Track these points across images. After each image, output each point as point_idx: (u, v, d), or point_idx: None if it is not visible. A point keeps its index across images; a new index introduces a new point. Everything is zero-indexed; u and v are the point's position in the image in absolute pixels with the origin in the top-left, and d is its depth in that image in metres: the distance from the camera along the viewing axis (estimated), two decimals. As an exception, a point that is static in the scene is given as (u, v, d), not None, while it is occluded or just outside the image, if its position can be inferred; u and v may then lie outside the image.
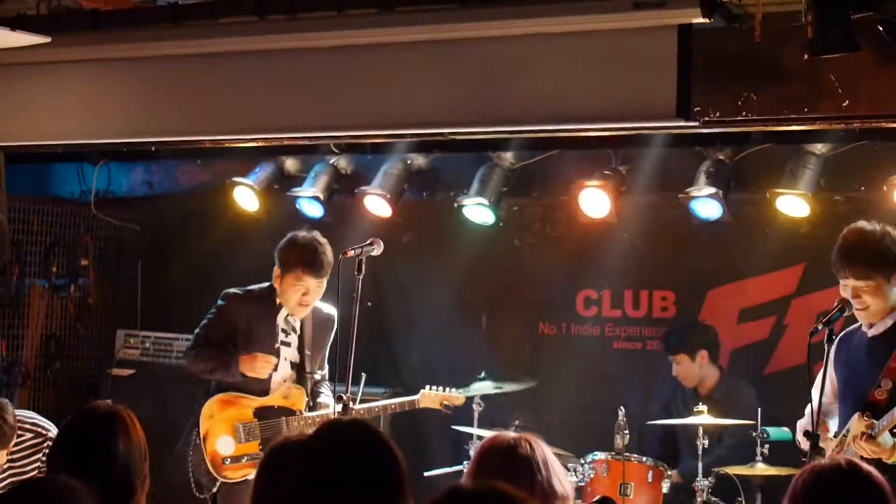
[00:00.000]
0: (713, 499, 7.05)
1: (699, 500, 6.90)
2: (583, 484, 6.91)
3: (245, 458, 6.67)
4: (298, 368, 6.89)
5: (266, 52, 6.69)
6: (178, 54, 6.85)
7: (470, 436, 7.43)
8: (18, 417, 5.97)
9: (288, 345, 6.87)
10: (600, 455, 7.04)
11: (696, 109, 6.13)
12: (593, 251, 8.46)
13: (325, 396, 6.94)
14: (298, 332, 6.90)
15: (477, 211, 8.21)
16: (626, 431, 6.95)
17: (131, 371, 8.91)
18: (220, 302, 6.95)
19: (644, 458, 7.03)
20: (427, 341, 8.86)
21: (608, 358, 8.59)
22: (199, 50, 6.78)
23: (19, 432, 5.95)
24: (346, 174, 8.80)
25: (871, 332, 5.65)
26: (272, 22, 6.52)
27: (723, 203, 7.60)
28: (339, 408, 6.17)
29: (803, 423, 5.93)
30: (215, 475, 6.69)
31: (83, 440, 3.98)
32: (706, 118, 6.17)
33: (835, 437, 5.68)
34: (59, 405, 9.09)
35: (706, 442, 7.02)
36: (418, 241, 9.03)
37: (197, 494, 6.77)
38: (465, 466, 6.93)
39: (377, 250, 6.41)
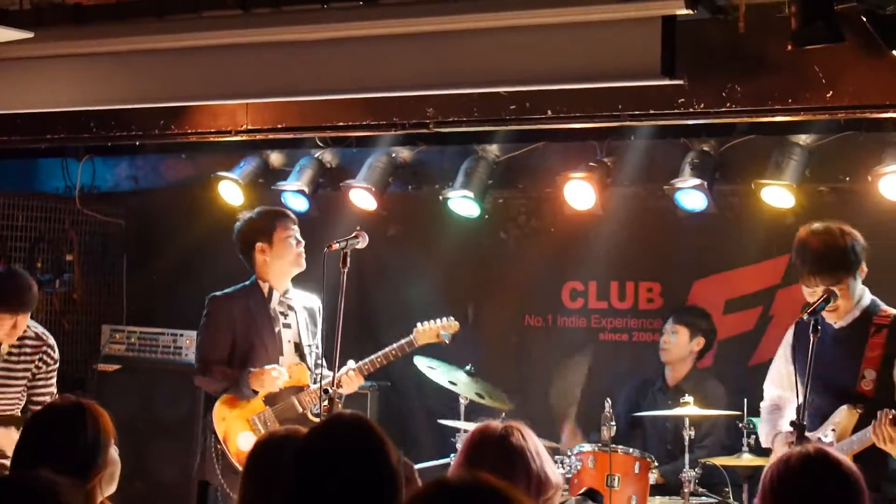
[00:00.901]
0: (700, 489, 7.06)
1: (686, 490, 6.91)
2: (570, 476, 6.91)
3: None
4: (297, 346, 6.95)
5: (250, 46, 6.68)
6: (163, 48, 6.83)
7: (456, 430, 7.42)
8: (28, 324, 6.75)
9: (288, 326, 6.95)
10: (587, 447, 7.05)
11: (680, 101, 6.15)
12: (579, 243, 8.46)
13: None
14: (295, 310, 6.96)
15: (462, 204, 8.20)
16: (613, 423, 6.96)
17: (117, 366, 8.89)
18: (206, 310, 7.00)
19: (630, 450, 7.04)
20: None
21: (594, 349, 8.59)
22: (183, 44, 6.75)
23: (26, 330, 6.73)
24: (330, 168, 8.79)
25: (837, 325, 5.67)
26: (256, 15, 6.50)
27: (708, 194, 7.60)
28: (325, 403, 6.15)
29: (766, 431, 5.99)
30: None
31: (48, 429, 4.02)
32: (691, 108, 6.18)
33: (811, 430, 5.68)
34: (44, 401, 9.07)
35: (692, 433, 7.03)
36: (404, 235, 9.03)
37: None
38: (451, 459, 6.92)
39: (362, 243, 6.41)
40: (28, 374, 6.79)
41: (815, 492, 3.40)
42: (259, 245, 6.89)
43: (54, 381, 6.97)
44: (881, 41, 5.74)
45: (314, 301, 7.05)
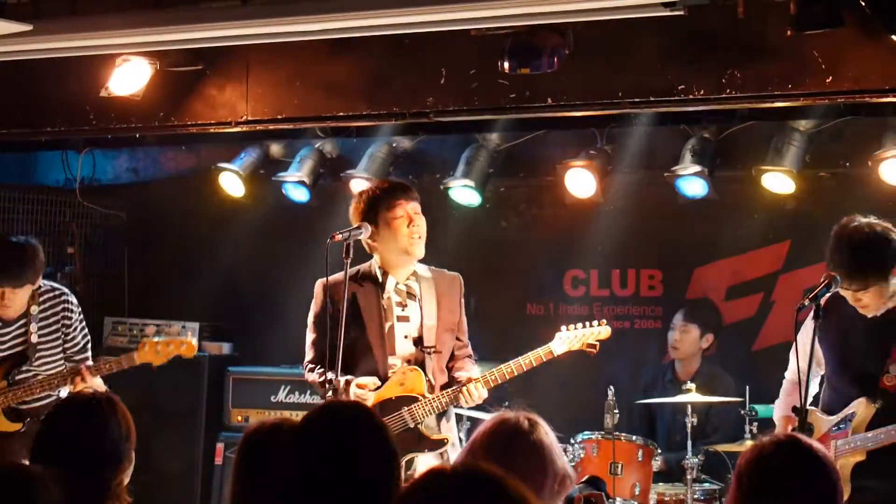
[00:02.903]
0: (703, 476, 7.07)
1: (689, 477, 6.91)
2: (573, 464, 6.91)
3: None
4: (421, 343, 6.06)
5: (250, 37, 6.68)
6: (162, 40, 6.83)
7: (460, 417, 7.42)
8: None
9: (407, 319, 6.06)
10: (590, 435, 7.05)
11: (680, 88, 6.15)
12: (580, 231, 8.46)
13: (463, 372, 6.08)
14: (417, 296, 6.07)
15: (463, 193, 8.21)
16: (616, 411, 6.96)
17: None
18: (314, 297, 6.16)
19: (634, 437, 7.05)
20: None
21: (596, 337, 8.58)
22: (183, 35, 6.75)
23: (40, 286, 6.71)
24: (331, 158, 8.78)
25: (870, 315, 5.59)
26: (255, 6, 6.49)
27: (708, 181, 7.61)
28: (329, 394, 5.98)
29: (781, 404, 5.92)
30: None
31: (64, 429, 3.98)
32: (691, 95, 6.18)
33: (831, 414, 5.65)
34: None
35: (695, 420, 7.03)
36: (405, 224, 9.02)
37: None
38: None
39: (365, 234, 6.37)
40: (61, 331, 6.79)
41: (787, 477, 3.40)
42: (369, 229, 6.01)
43: (85, 329, 6.92)
44: (881, 25, 5.73)
45: (453, 273, 6.24)
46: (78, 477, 3.82)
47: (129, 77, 7.28)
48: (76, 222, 9.51)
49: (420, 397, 5.93)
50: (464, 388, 5.88)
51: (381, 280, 6.07)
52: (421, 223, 6.01)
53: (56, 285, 6.95)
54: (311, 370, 6.08)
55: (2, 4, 6.70)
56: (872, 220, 5.51)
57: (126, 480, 4.00)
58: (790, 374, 5.93)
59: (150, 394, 8.39)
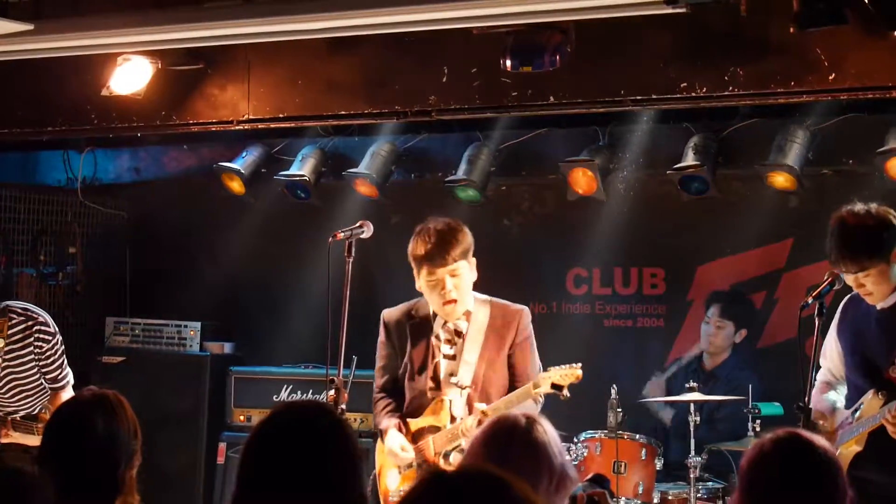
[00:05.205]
0: (706, 475, 7.06)
1: (692, 476, 6.90)
2: (576, 463, 6.90)
3: (407, 486, 5.87)
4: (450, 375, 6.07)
5: (251, 36, 6.67)
6: (163, 39, 6.82)
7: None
8: (9, 306, 6.43)
9: (453, 357, 6.09)
10: (593, 433, 7.04)
11: (682, 85, 6.14)
12: (582, 229, 8.45)
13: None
14: (465, 335, 6.08)
15: (465, 191, 8.19)
16: (619, 409, 6.95)
17: (121, 358, 8.89)
18: (381, 329, 6.29)
19: (637, 436, 7.04)
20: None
21: (599, 336, 8.58)
22: (184, 34, 6.74)
23: (11, 316, 6.33)
24: (333, 156, 8.77)
25: (879, 306, 5.58)
26: (257, 5, 6.49)
27: (711, 179, 7.59)
28: (331, 392, 5.99)
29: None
30: None
31: (69, 428, 3.97)
32: (693, 93, 6.17)
33: (847, 408, 5.66)
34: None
35: (697, 419, 7.02)
36: (407, 223, 8.98)
37: None
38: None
39: (367, 233, 6.33)
40: (34, 360, 6.41)
41: (789, 474, 3.39)
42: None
43: (62, 358, 6.51)
44: (883, 22, 5.72)
45: (517, 307, 6.19)
46: (91, 475, 3.82)
47: (131, 76, 7.28)
48: (78, 222, 9.50)
49: (443, 427, 5.97)
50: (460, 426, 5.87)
51: (430, 319, 6.12)
52: (454, 285, 5.92)
53: (34, 311, 6.49)
54: (377, 400, 6.24)
55: (3, 4, 6.69)
56: (872, 205, 5.51)
57: (134, 476, 4.01)
58: (821, 376, 5.89)
59: (151, 394, 8.39)
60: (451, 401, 6.00)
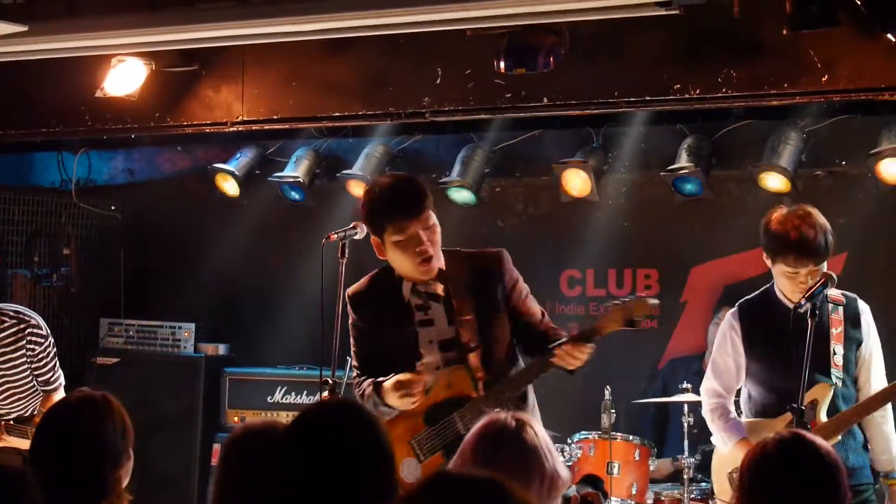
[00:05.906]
0: (699, 476, 7.07)
1: (685, 477, 6.91)
2: (570, 464, 6.91)
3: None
4: (454, 344, 5.49)
5: (245, 37, 6.67)
6: (157, 40, 6.82)
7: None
8: (1, 308, 6.46)
9: (430, 322, 5.50)
10: (587, 434, 7.05)
11: (675, 87, 6.14)
12: (576, 230, 8.46)
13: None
14: (443, 297, 5.52)
15: (459, 192, 8.20)
16: (613, 410, 6.96)
17: (116, 359, 8.89)
18: (349, 311, 5.66)
19: (630, 437, 7.04)
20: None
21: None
22: (178, 36, 6.74)
23: (3, 319, 6.37)
24: (327, 158, 8.78)
25: (794, 302, 5.56)
26: (251, 6, 6.49)
27: (704, 180, 7.61)
28: (324, 393, 5.83)
29: (728, 429, 5.82)
30: None
31: (55, 430, 3.98)
32: (687, 94, 6.18)
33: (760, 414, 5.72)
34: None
35: (691, 420, 7.03)
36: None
37: None
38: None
39: (360, 234, 6.30)
40: (26, 362, 6.45)
41: (792, 475, 3.40)
42: (372, 239, 5.52)
43: (54, 360, 6.54)
44: (876, 24, 5.73)
45: (490, 260, 5.64)
46: (77, 476, 3.83)
47: (125, 78, 7.28)
48: (72, 223, 9.51)
49: (468, 398, 5.39)
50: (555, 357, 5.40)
51: (398, 286, 5.53)
52: (429, 238, 5.37)
53: (26, 314, 6.53)
54: (359, 384, 5.60)
55: (-2, 6, 6.70)
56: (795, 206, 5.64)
57: (126, 478, 4.00)
58: (713, 402, 5.88)
59: (146, 395, 8.39)
60: (473, 366, 5.40)
